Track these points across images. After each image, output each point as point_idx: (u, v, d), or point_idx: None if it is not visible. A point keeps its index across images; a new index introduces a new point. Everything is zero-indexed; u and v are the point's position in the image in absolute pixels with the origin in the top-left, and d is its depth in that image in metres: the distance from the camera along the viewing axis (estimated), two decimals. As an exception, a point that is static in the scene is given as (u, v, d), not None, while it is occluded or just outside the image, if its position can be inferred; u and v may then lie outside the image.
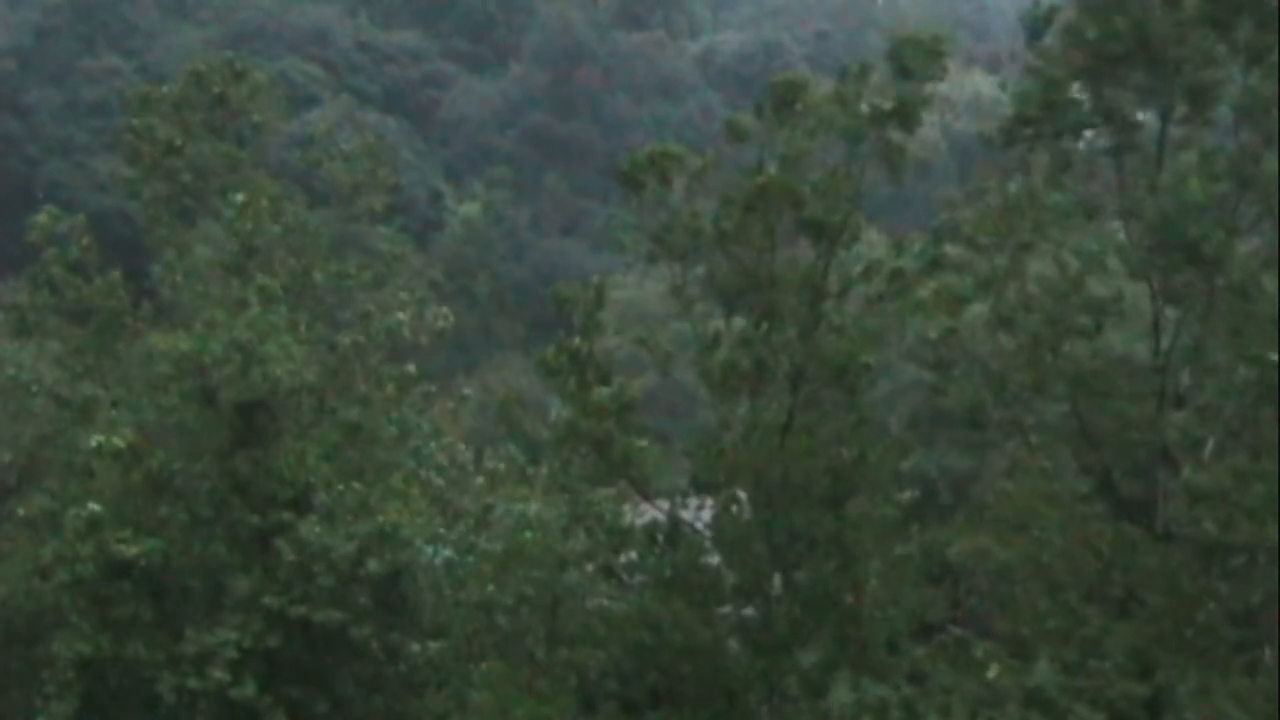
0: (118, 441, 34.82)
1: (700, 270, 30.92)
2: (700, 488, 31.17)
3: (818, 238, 29.91)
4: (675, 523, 31.21)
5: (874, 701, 28.81)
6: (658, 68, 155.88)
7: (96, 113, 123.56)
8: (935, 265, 29.91)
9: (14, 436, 43.08)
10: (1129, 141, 28.39)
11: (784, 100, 30.06)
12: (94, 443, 35.17)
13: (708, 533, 31.25)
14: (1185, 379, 28.06)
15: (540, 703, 30.50)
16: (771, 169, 30.09)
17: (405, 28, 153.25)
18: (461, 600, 34.52)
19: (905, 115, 29.77)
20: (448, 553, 35.41)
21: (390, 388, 38.32)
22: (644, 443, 31.43)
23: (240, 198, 38.24)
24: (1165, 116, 28.08)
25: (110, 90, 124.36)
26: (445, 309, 40.42)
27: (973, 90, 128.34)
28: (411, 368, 39.27)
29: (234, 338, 34.27)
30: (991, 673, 27.19)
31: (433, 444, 38.51)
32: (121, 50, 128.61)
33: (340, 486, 34.83)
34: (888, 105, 29.51)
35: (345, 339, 38.31)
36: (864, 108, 29.79)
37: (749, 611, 31.08)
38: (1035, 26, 29.08)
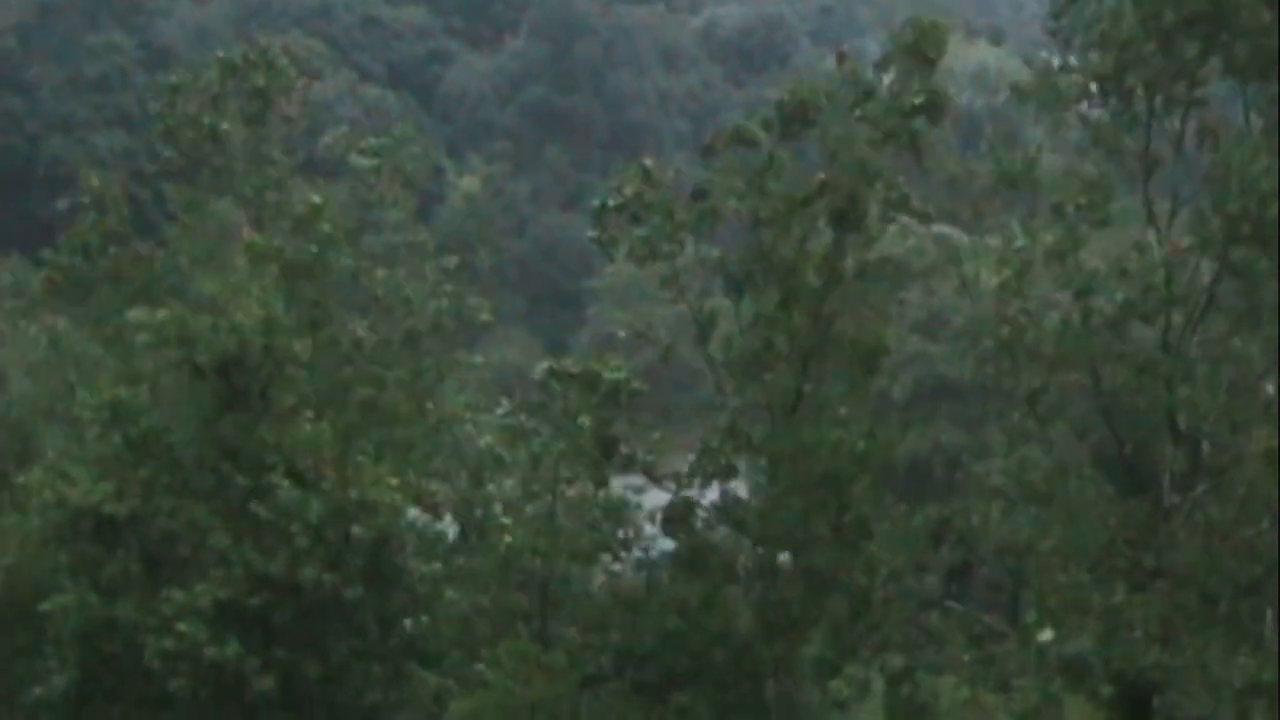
0: (104, 395, 35.09)
1: (692, 253, 31.14)
2: (707, 476, 31.34)
3: (839, 224, 30.17)
4: (687, 504, 31.39)
5: (893, 674, 29.10)
6: (659, 41, 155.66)
7: (98, 89, 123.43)
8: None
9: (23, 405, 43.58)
10: (1199, 100, 28.51)
11: (795, 114, 30.25)
12: (81, 396, 35.47)
13: (716, 513, 31.46)
14: (1193, 350, 28.27)
15: (550, 682, 30.68)
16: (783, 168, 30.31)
17: (410, 3, 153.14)
18: (458, 600, 34.79)
19: (934, 108, 30.00)
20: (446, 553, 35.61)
21: (426, 372, 38.88)
22: (652, 433, 31.86)
23: (318, 199, 39.14)
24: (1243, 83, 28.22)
25: (112, 67, 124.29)
26: (484, 301, 40.96)
27: (977, 62, 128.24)
28: (465, 355, 39.99)
29: (212, 300, 34.56)
30: (1045, 635, 27.42)
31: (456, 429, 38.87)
32: (124, 26, 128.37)
33: (313, 458, 35.17)
34: (918, 100, 29.73)
35: (363, 325, 38.63)
36: (889, 102, 30.00)
37: (759, 591, 31.24)
38: (1058, 6, 29.26)
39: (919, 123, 29.97)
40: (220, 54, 41.58)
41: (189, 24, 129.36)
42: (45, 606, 34.36)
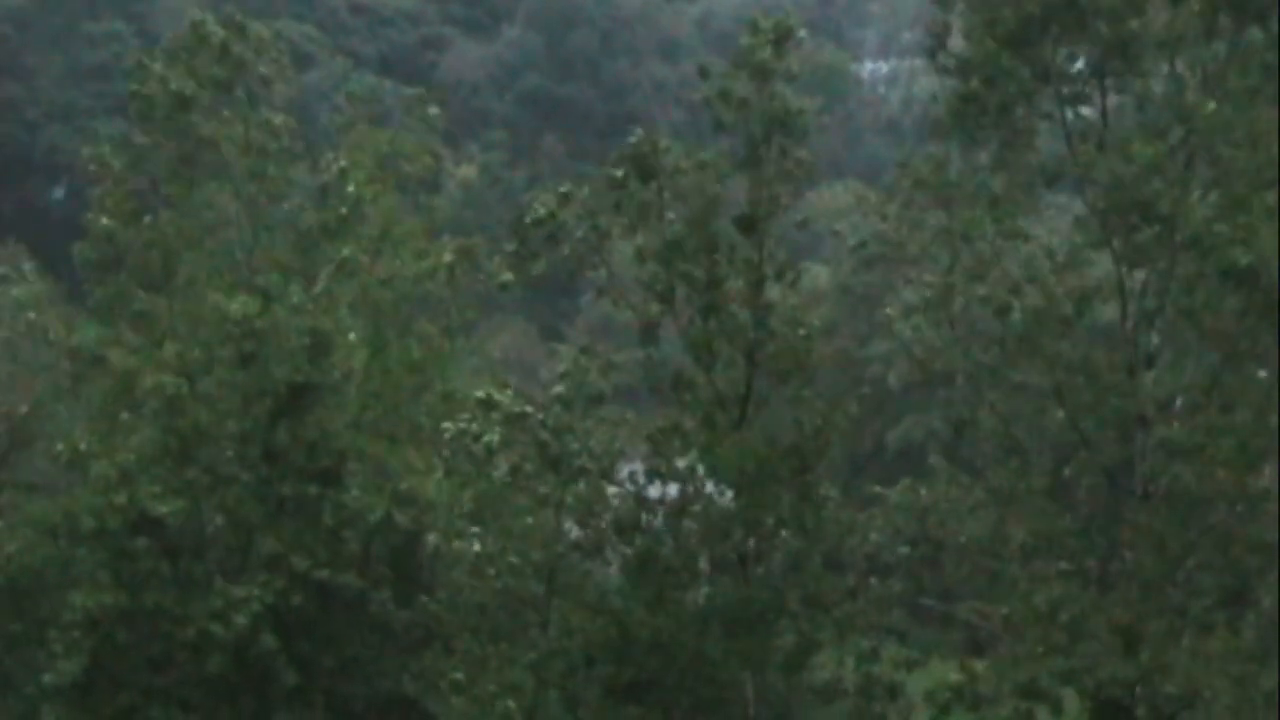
0: (173, 384, 34.85)
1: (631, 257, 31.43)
2: (660, 476, 31.48)
3: (748, 231, 30.49)
4: (638, 507, 31.42)
5: (862, 654, 29.36)
6: (656, 30, 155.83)
7: (97, 77, 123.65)
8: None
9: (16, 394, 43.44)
10: (1071, 96, 28.93)
11: (644, 165, 30.50)
12: (148, 383, 35.21)
13: (674, 511, 31.52)
14: (1154, 339, 28.52)
15: (524, 696, 30.88)
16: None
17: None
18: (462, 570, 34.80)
19: (785, 127, 30.24)
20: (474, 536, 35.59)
21: (425, 343, 38.72)
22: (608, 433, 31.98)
23: (344, 162, 38.79)
24: (1101, 71, 28.60)
25: (111, 54, 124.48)
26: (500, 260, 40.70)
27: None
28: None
29: (314, 325, 34.32)
30: (982, 670, 27.78)
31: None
32: (123, 14, 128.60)
33: (367, 449, 35.20)
34: (757, 132, 30.10)
35: (386, 294, 38.41)
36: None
37: (726, 585, 31.34)
38: (935, 39, 29.67)
39: (780, 140, 30.38)
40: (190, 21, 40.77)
41: (186, 12, 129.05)
42: (75, 599, 34.08)
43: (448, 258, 39.47)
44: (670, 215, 30.62)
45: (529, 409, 31.38)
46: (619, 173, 30.70)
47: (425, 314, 39.90)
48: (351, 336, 35.17)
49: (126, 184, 39.80)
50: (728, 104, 30.40)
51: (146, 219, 39.60)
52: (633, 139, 30.97)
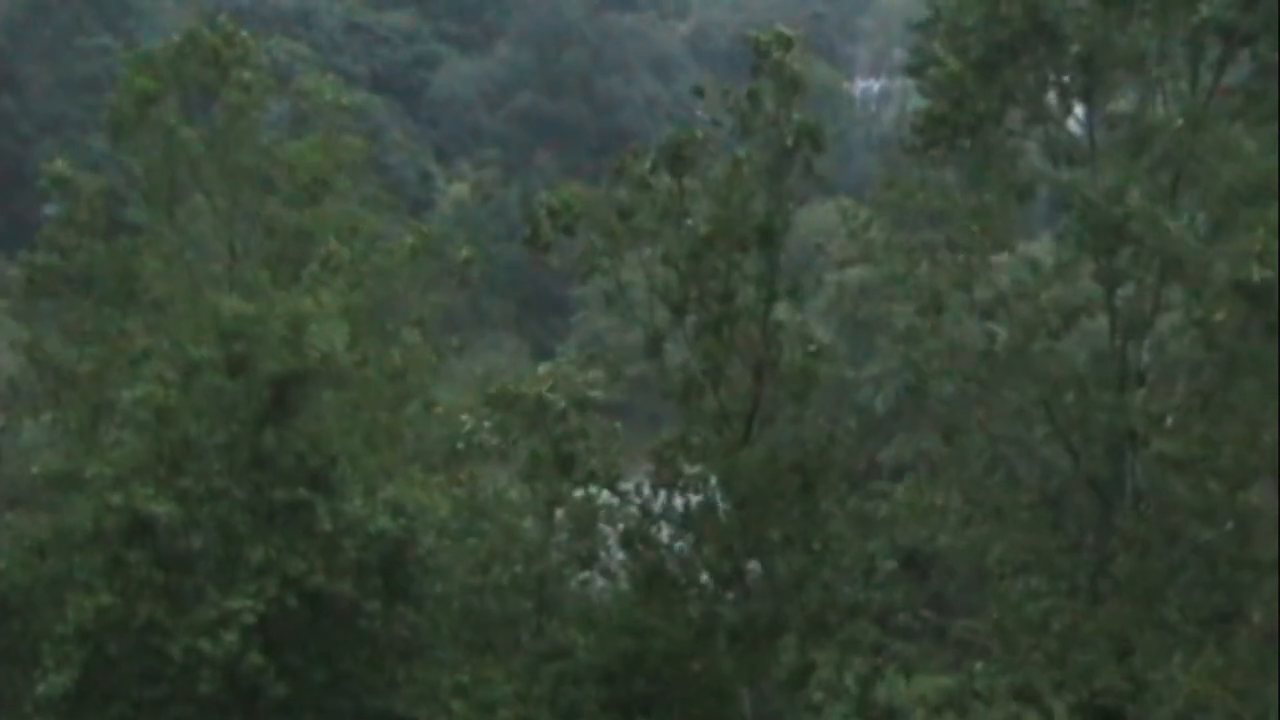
0: (163, 394, 34.64)
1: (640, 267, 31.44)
2: (666, 488, 31.49)
3: (764, 244, 30.52)
4: (647, 519, 31.42)
5: (863, 677, 29.35)
6: (648, 47, 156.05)
7: (89, 90, 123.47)
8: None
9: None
10: (1039, 116, 29.10)
11: (674, 159, 30.46)
12: (137, 393, 34.85)
13: (680, 523, 31.52)
14: (1145, 356, 28.61)
15: (525, 706, 30.87)
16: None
17: (394, 8, 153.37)
18: (452, 583, 34.68)
19: (812, 138, 30.25)
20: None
21: (406, 350, 38.61)
22: (614, 443, 31.91)
23: (321, 138, 38.95)
24: (1087, 91, 28.74)
25: (103, 68, 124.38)
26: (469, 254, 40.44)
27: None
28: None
29: (293, 309, 34.11)
30: (979, 669, 27.82)
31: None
32: (114, 29, 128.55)
33: (357, 456, 35.12)
34: (789, 141, 30.10)
35: (359, 298, 38.29)
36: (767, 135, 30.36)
37: (729, 600, 31.36)
38: (916, 61, 29.83)
39: (806, 152, 30.50)
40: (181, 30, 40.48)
41: (176, 27, 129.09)
42: (71, 603, 33.93)
43: (409, 240, 39.58)
44: (690, 221, 30.61)
45: (550, 398, 31.35)
46: (647, 164, 30.65)
47: (391, 309, 39.74)
48: (331, 327, 34.93)
49: (92, 201, 39.77)
50: (757, 109, 30.41)
51: (92, 241, 39.59)
52: (669, 133, 31.07)
